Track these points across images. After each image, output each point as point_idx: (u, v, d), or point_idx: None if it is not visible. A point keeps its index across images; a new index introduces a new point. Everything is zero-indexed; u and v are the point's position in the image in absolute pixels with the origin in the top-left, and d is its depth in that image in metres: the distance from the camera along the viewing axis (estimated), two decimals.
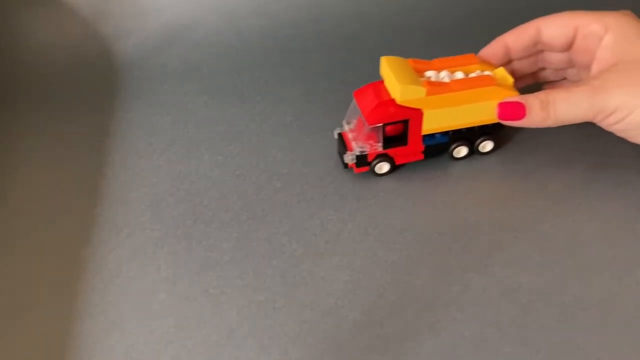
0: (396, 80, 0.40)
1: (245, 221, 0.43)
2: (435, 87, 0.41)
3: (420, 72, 0.43)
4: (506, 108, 0.40)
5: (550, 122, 0.39)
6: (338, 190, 0.44)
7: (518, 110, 0.40)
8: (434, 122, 0.42)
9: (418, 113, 0.42)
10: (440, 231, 0.41)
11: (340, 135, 0.45)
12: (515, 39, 0.44)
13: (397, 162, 0.44)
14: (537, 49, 0.44)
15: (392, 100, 0.41)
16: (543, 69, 0.47)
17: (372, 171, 0.44)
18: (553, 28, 0.42)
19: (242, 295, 0.38)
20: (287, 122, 0.51)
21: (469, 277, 0.38)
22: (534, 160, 0.45)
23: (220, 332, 0.36)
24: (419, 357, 0.34)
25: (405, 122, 0.42)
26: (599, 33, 0.40)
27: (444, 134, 0.44)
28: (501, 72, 0.43)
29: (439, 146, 0.44)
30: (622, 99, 0.37)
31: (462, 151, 0.45)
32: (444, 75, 0.43)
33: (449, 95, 0.41)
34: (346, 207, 0.43)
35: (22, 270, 0.41)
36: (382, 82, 0.43)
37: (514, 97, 0.41)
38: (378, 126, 0.42)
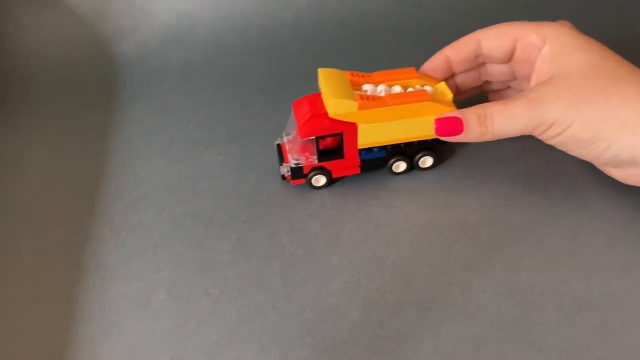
0: (328, 93, 0.40)
1: (245, 221, 0.43)
2: (368, 102, 0.40)
3: (357, 85, 0.43)
4: (443, 124, 0.40)
5: (488, 137, 0.39)
6: (338, 191, 0.44)
7: (455, 125, 0.39)
8: (369, 136, 0.42)
9: (352, 127, 0.41)
10: (440, 231, 0.41)
11: (279, 146, 0.45)
12: (456, 53, 0.43)
13: (334, 176, 0.44)
14: (478, 61, 0.44)
15: (327, 113, 0.41)
16: (488, 82, 0.46)
17: (309, 184, 0.44)
18: (492, 40, 0.42)
19: (242, 295, 0.38)
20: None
21: (469, 277, 0.38)
22: (533, 159, 0.45)
23: (220, 332, 0.36)
24: (419, 357, 0.34)
25: (340, 136, 0.42)
26: (537, 44, 0.40)
27: (382, 148, 0.44)
28: (442, 87, 0.43)
29: (376, 160, 0.44)
30: (560, 112, 0.36)
31: (400, 166, 0.45)
32: (381, 89, 0.42)
33: (382, 110, 0.41)
34: (346, 208, 0.43)
35: (22, 270, 0.41)
36: (319, 94, 0.43)
37: (452, 112, 0.40)
38: (311, 139, 0.42)
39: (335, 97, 0.40)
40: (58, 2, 0.61)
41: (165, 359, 0.35)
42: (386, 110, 0.41)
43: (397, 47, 0.59)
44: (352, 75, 0.43)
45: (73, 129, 0.53)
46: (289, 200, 0.44)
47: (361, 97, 0.40)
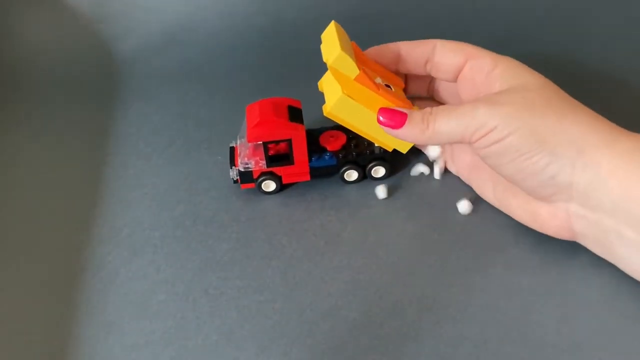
0: (339, 45, 0.38)
1: (245, 222, 0.43)
2: (367, 79, 0.39)
3: (357, 61, 0.41)
4: (387, 113, 0.39)
5: (428, 134, 0.37)
6: (338, 192, 0.44)
7: (398, 117, 0.38)
8: (342, 110, 0.40)
9: (300, 133, 0.41)
10: (441, 231, 0.41)
11: (232, 149, 0.45)
12: (410, 50, 0.42)
13: (285, 182, 0.44)
14: (426, 69, 0.42)
15: (275, 120, 0.41)
16: None
17: (259, 188, 0.44)
18: (447, 50, 0.41)
19: (242, 295, 0.38)
20: None
21: (469, 277, 0.38)
22: None
23: (220, 332, 0.36)
24: (419, 357, 0.34)
25: (288, 142, 0.42)
26: (487, 66, 0.39)
27: (333, 155, 0.44)
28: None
29: (327, 168, 0.44)
30: (503, 117, 0.34)
31: (352, 175, 0.44)
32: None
33: (371, 94, 0.39)
34: (346, 208, 0.43)
35: (22, 270, 0.41)
36: (274, 99, 0.43)
37: (401, 108, 0.39)
38: (258, 144, 0.42)
39: (345, 53, 0.38)
40: (58, 2, 0.61)
41: (165, 359, 0.35)
42: (373, 96, 0.39)
43: None
44: (356, 47, 0.42)
45: (73, 129, 0.53)
46: (289, 201, 0.44)
47: (364, 71, 0.39)
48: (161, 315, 0.37)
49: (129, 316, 0.37)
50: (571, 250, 0.39)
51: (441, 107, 0.38)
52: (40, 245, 0.42)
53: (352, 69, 0.39)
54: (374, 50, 0.43)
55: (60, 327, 0.37)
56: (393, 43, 0.43)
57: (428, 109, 0.38)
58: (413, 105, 0.41)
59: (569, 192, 0.34)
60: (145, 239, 0.42)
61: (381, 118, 0.39)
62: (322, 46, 0.41)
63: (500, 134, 0.35)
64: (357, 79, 0.39)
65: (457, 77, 0.42)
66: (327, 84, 0.41)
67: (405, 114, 0.38)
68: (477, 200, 0.43)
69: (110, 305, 0.38)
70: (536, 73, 0.38)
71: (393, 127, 0.39)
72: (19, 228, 0.44)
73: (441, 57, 0.41)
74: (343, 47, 0.38)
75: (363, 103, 0.39)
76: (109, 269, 0.40)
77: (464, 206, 0.42)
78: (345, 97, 0.39)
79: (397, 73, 0.44)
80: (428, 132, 0.37)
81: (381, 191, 0.43)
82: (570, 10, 0.61)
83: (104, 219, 0.44)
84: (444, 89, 0.45)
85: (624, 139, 0.34)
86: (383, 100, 0.39)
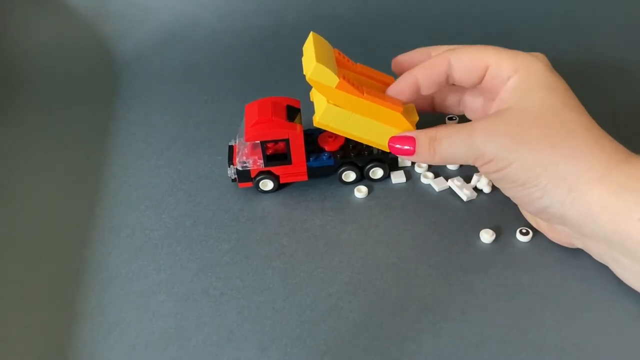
0: (314, 56, 0.38)
1: (245, 222, 0.43)
2: (348, 85, 0.39)
3: (341, 67, 0.41)
4: (397, 142, 0.40)
5: (437, 160, 0.38)
6: (338, 192, 0.44)
7: (408, 145, 0.39)
8: (329, 118, 0.40)
9: (298, 133, 0.41)
10: (440, 232, 0.41)
11: (231, 147, 0.45)
12: (426, 75, 0.40)
13: (282, 181, 0.44)
14: (449, 83, 0.41)
15: (273, 119, 0.41)
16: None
17: (257, 187, 0.44)
18: (464, 64, 0.39)
19: (242, 296, 0.38)
20: None
21: (469, 277, 0.38)
22: None
23: (220, 332, 0.36)
24: (419, 357, 0.34)
25: (286, 142, 0.42)
26: (507, 74, 0.38)
27: (331, 156, 0.44)
28: (411, 107, 0.42)
29: (325, 168, 0.44)
30: (500, 148, 0.35)
31: (350, 176, 0.44)
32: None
33: (356, 99, 0.39)
34: (346, 209, 0.43)
35: (22, 270, 0.41)
36: (273, 98, 0.43)
37: (408, 132, 0.40)
38: (256, 143, 0.42)
39: (321, 63, 0.38)
40: (58, 3, 0.61)
41: None
42: (358, 102, 0.39)
43: (397, 47, 0.59)
44: (339, 54, 0.42)
45: (73, 129, 0.53)
46: (289, 201, 0.44)
47: (344, 77, 0.39)
48: (161, 315, 0.37)
49: (129, 316, 0.37)
50: (571, 250, 0.39)
51: (444, 131, 0.38)
52: (40, 246, 0.42)
53: (331, 79, 0.38)
54: (391, 92, 0.41)
55: (61, 327, 0.37)
56: (406, 75, 0.41)
57: (432, 133, 0.38)
58: (404, 105, 0.41)
59: (562, 220, 0.35)
60: (145, 239, 0.42)
61: (391, 147, 0.40)
62: (303, 59, 0.41)
63: (497, 166, 0.36)
64: (338, 87, 0.39)
65: (479, 83, 0.40)
66: (317, 94, 0.41)
67: (414, 141, 0.39)
68: (478, 201, 0.43)
69: (110, 305, 0.38)
70: (552, 85, 0.37)
71: (403, 155, 0.40)
72: (19, 228, 0.44)
73: (460, 73, 0.40)
74: (319, 58, 0.38)
75: (351, 109, 0.40)
76: (109, 269, 0.40)
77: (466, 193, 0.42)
78: (332, 106, 0.40)
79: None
80: (436, 158, 0.38)
81: (360, 192, 0.44)
82: (571, 9, 0.61)
83: (104, 219, 0.44)
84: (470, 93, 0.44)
85: (616, 172, 0.33)
86: (370, 104, 0.39)
